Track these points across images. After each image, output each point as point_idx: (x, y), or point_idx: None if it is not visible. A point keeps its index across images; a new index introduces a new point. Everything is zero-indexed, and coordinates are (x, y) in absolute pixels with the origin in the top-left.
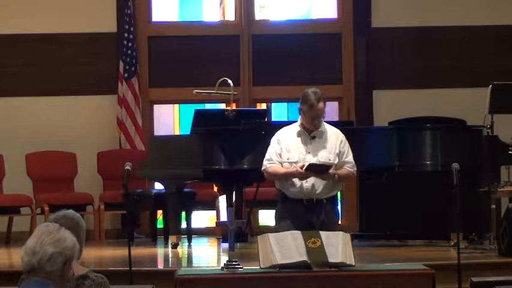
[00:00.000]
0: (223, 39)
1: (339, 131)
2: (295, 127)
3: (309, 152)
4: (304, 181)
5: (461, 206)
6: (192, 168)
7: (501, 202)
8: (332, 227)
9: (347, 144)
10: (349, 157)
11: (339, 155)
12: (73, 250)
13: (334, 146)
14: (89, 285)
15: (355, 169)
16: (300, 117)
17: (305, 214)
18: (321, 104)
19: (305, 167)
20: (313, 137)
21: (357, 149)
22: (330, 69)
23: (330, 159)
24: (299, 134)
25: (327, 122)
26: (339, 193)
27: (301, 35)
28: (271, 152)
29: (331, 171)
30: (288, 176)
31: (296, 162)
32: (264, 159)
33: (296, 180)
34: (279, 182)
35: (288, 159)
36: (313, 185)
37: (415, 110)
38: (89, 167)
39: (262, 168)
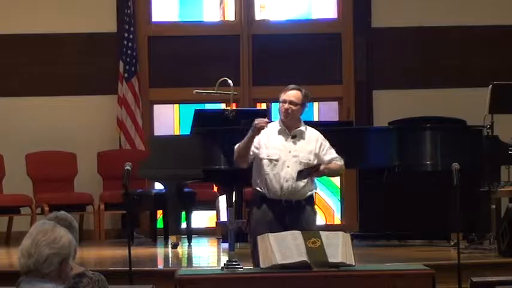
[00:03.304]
0: (223, 39)
1: (318, 133)
2: (276, 124)
3: (290, 151)
4: (285, 181)
5: (461, 206)
6: (192, 168)
7: (501, 202)
8: (311, 228)
9: (327, 143)
10: (333, 153)
11: (318, 155)
12: (69, 248)
13: (314, 147)
14: (86, 282)
15: (343, 161)
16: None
17: (283, 216)
18: (296, 92)
19: (296, 177)
20: (294, 136)
21: (357, 149)
22: (330, 69)
23: (310, 160)
24: (280, 132)
25: (326, 122)
26: (337, 193)
27: (301, 35)
28: None
29: (322, 167)
30: (248, 142)
31: (277, 160)
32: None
33: (275, 183)
34: (255, 176)
35: (268, 156)
36: (293, 186)
37: (415, 110)
38: (89, 167)
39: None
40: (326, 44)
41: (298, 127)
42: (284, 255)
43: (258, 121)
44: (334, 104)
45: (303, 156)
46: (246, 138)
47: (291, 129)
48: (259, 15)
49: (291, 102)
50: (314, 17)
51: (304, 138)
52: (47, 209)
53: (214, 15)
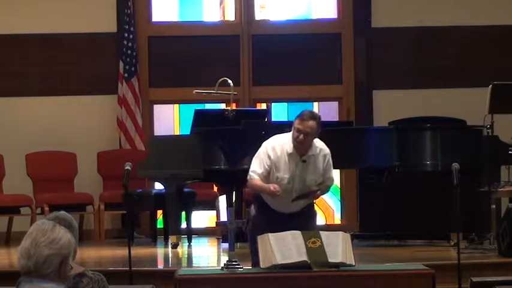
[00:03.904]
0: (223, 39)
1: (325, 149)
2: (287, 144)
3: (298, 175)
4: (291, 203)
5: (461, 206)
6: (192, 168)
7: (501, 202)
8: (312, 227)
9: (330, 161)
10: (330, 172)
11: (324, 174)
12: (69, 248)
13: (322, 167)
14: (86, 282)
15: (333, 183)
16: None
17: (284, 222)
18: (311, 122)
19: (292, 199)
20: (304, 161)
21: (357, 149)
22: (330, 69)
23: (316, 182)
24: (290, 156)
25: (326, 122)
26: (338, 193)
27: (301, 35)
28: (261, 168)
29: (314, 188)
30: (262, 191)
31: (286, 184)
32: (252, 169)
33: (280, 204)
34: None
35: (277, 178)
36: (297, 207)
37: (415, 110)
38: (89, 167)
39: (248, 177)
40: (326, 44)
41: (309, 151)
42: (284, 255)
43: (273, 191)
44: (334, 104)
45: (309, 179)
46: (260, 188)
47: (302, 154)
48: (259, 15)
49: (305, 134)
50: (314, 17)
51: (313, 163)
52: (47, 209)
53: (214, 15)
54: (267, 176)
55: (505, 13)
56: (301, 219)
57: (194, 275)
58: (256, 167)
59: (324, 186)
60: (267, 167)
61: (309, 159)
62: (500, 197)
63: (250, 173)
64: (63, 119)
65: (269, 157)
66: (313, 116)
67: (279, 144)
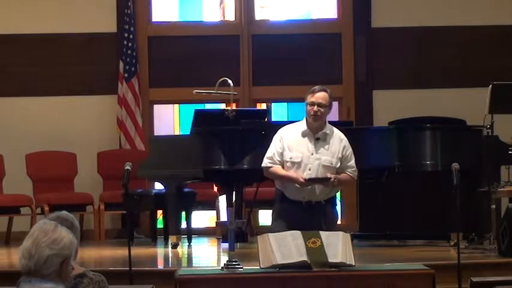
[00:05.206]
0: (223, 39)
1: (342, 134)
2: (301, 126)
3: (312, 154)
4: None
5: (461, 206)
6: (192, 168)
7: (501, 202)
8: (331, 228)
9: (350, 149)
10: (351, 162)
11: (341, 159)
12: (70, 249)
13: (338, 150)
14: (87, 283)
15: (356, 173)
16: (305, 116)
17: (303, 215)
18: (323, 93)
19: (306, 179)
20: (318, 139)
21: (357, 149)
22: (330, 69)
23: (332, 163)
24: (304, 134)
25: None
26: (338, 193)
27: (301, 35)
28: (273, 151)
29: (329, 175)
30: (286, 179)
31: (299, 163)
32: (265, 156)
33: (296, 185)
34: (279, 182)
35: (290, 158)
36: (313, 188)
37: (415, 110)
38: (89, 167)
39: (263, 165)
40: (326, 44)
41: (323, 129)
42: (284, 255)
43: (296, 177)
44: (334, 104)
45: (325, 159)
46: (284, 175)
47: (315, 131)
48: (259, 15)
49: (319, 105)
50: (314, 17)
51: (327, 141)
52: (47, 209)
53: (214, 15)
54: (281, 161)
55: (505, 13)
56: (324, 220)
57: (194, 275)
58: (268, 152)
59: (345, 177)
60: (279, 149)
61: (324, 138)
62: (500, 197)
63: (264, 159)
64: (63, 119)
65: (280, 139)
66: (324, 88)
67: (292, 128)
